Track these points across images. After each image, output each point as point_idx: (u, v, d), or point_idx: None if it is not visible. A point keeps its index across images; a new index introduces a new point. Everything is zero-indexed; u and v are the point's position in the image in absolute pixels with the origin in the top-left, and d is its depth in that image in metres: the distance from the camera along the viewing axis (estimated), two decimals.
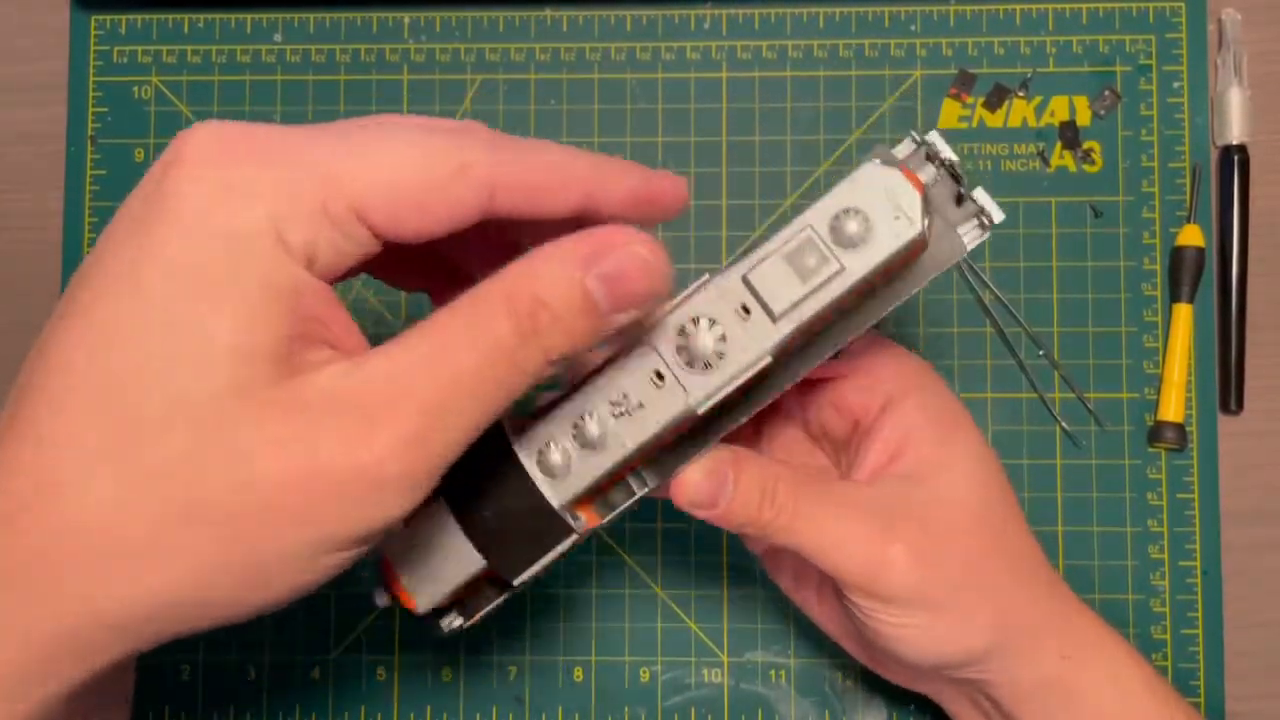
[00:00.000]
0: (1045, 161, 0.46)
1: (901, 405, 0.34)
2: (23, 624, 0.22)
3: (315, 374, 0.23)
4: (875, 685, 0.44)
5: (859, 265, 0.26)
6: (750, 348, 0.27)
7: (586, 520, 0.29)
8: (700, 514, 0.31)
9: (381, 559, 0.29)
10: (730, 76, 0.47)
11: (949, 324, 0.45)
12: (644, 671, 0.45)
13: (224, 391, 0.22)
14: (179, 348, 0.22)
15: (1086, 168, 0.46)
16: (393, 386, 0.23)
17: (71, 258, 0.46)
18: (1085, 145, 0.46)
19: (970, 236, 0.29)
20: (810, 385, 0.36)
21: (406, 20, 0.47)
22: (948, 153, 0.28)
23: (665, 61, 0.47)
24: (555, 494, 0.28)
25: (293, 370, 0.23)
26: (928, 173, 0.28)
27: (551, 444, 0.28)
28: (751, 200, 0.46)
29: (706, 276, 0.27)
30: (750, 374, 0.27)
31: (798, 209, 0.28)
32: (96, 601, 0.22)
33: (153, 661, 0.45)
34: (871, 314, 0.29)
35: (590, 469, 0.28)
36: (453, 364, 0.23)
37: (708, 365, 0.27)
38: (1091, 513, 0.45)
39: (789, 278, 0.26)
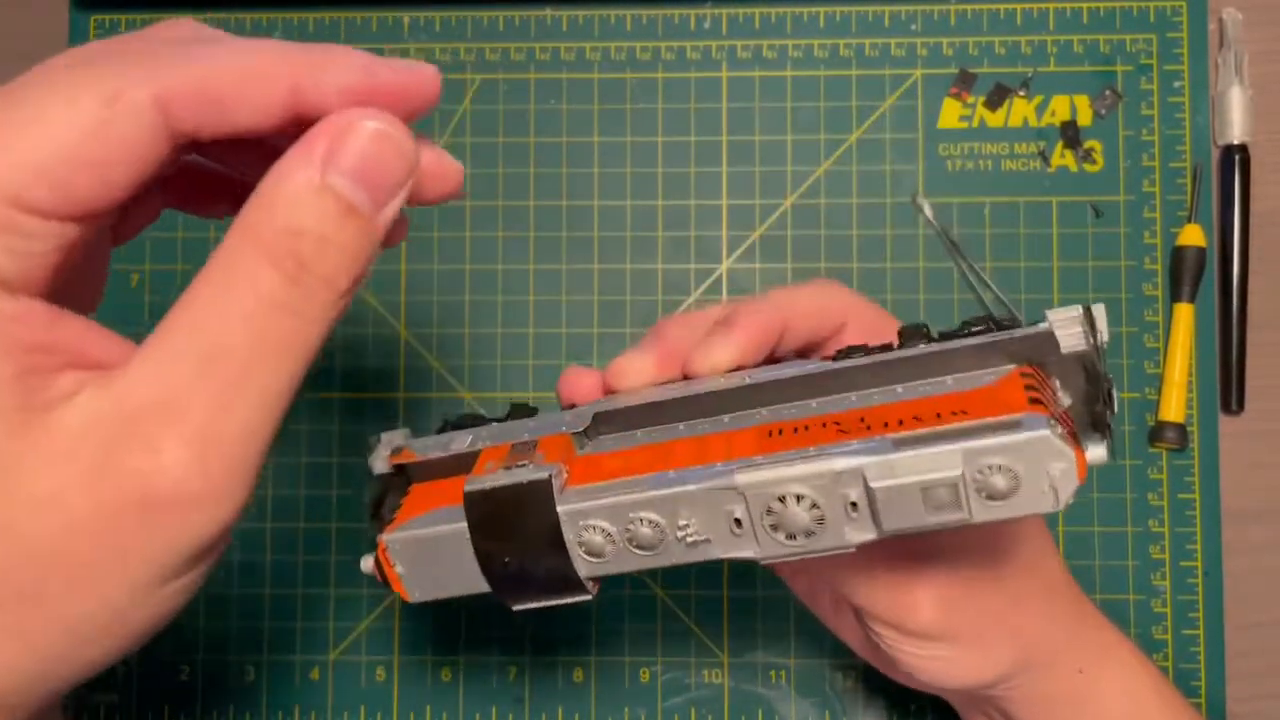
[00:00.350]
0: (1046, 161, 0.46)
1: None
2: None
3: (64, 408, 0.19)
4: (875, 685, 0.44)
5: (986, 515, 0.24)
6: (843, 538, 0.25)
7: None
8: None
9: (376, 543, 0.28)
10: (730, 76, 0.47)
11: (949, 324, 0.45)
12: (644, 671, 0.45)
13: None
14: None
15: (1087, 167, 0.46)
16: (159, 391, 0.20)
17: None
18: (1086, 145, 0.46)
19: (1097, 454, 0.25)
20: None
21: (406, 19, 0.47)
22: (1104, 330, 0.26)
23: (665, 61, 0.47)
24: (585, 569, 0.27)
25: (33, 414, 0.19)
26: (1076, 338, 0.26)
27: (597, 527, 0.26)
28: (752, 200, 0.46)
29: (815, 451, 0.25)
30: (829, 555, 0.25)
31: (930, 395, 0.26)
32: None
33: (153, 661, 0.45)
34: None
35: (628, 563, 0.27)
36: (222, 343, 0.20)
37: (792, 536, 0.25)
38: (1092, 513, 0.45)
39: (913, 504, 0.24)
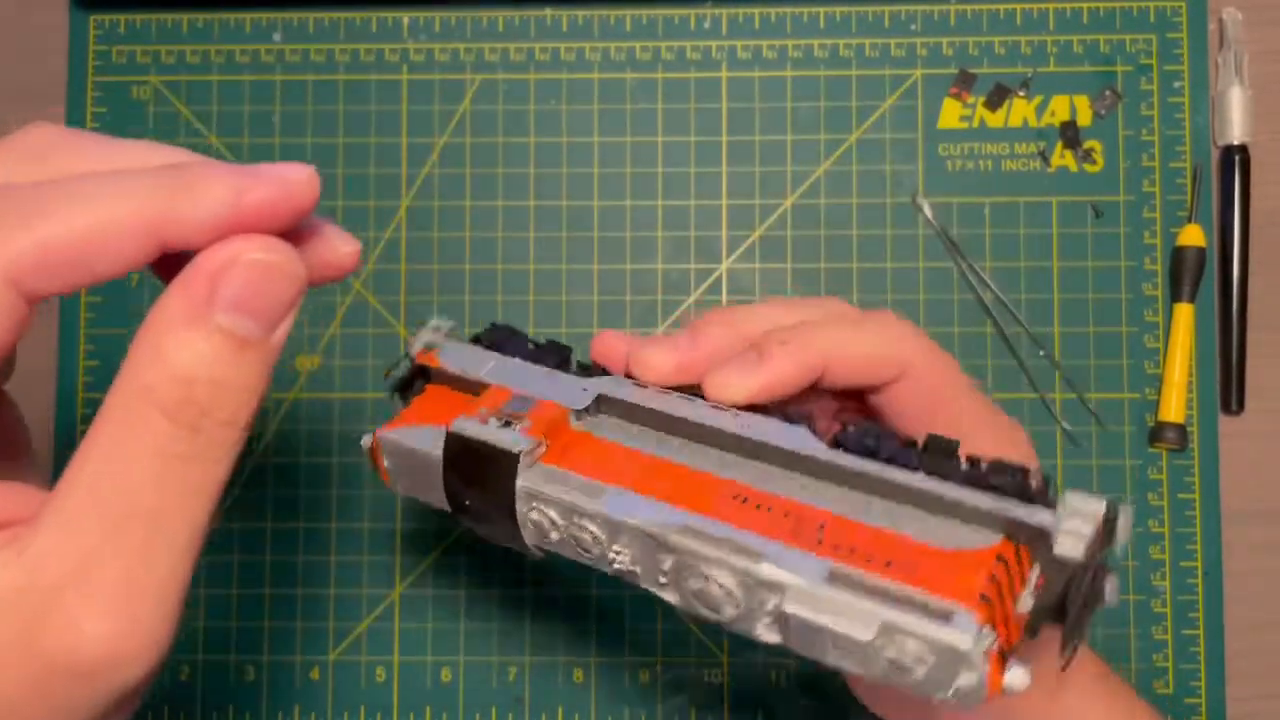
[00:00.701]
0: (1046, 161, 0.46)
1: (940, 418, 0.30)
2: None
3: None
4: None
5: (883, 678, 0.23)
6: (753, 630, 0.25)
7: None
8: None
9: (373, 434, 0.30)
10: (730, 76, 0.46)
11: (949, 324, 0.45)
12: (644, 671, 0.45)
13: None
14: None
15: (1087, 167, 0.46)
16: (71, 561, 0.19)
17: None
18: (1086, 145, 0.46)
19: (1017, 679, 0.23)
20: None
21: (406, 20, 0.47)
22: (1126, 535, 0.24)
23: (665, 61, 0.47)
24: (530, 538, 0.28)
25: None
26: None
27: (546, 514, 0.27)
28: (752, 200, 0.46)
29: (757, 545, 0.24)
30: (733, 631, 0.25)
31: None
32: None
33: None
34: None
35: (568, 552, 0.28)
36: (128, 503, 0.20)
37: (709, 607, 0.25)
38: None
39: (821, 639, 0.23)
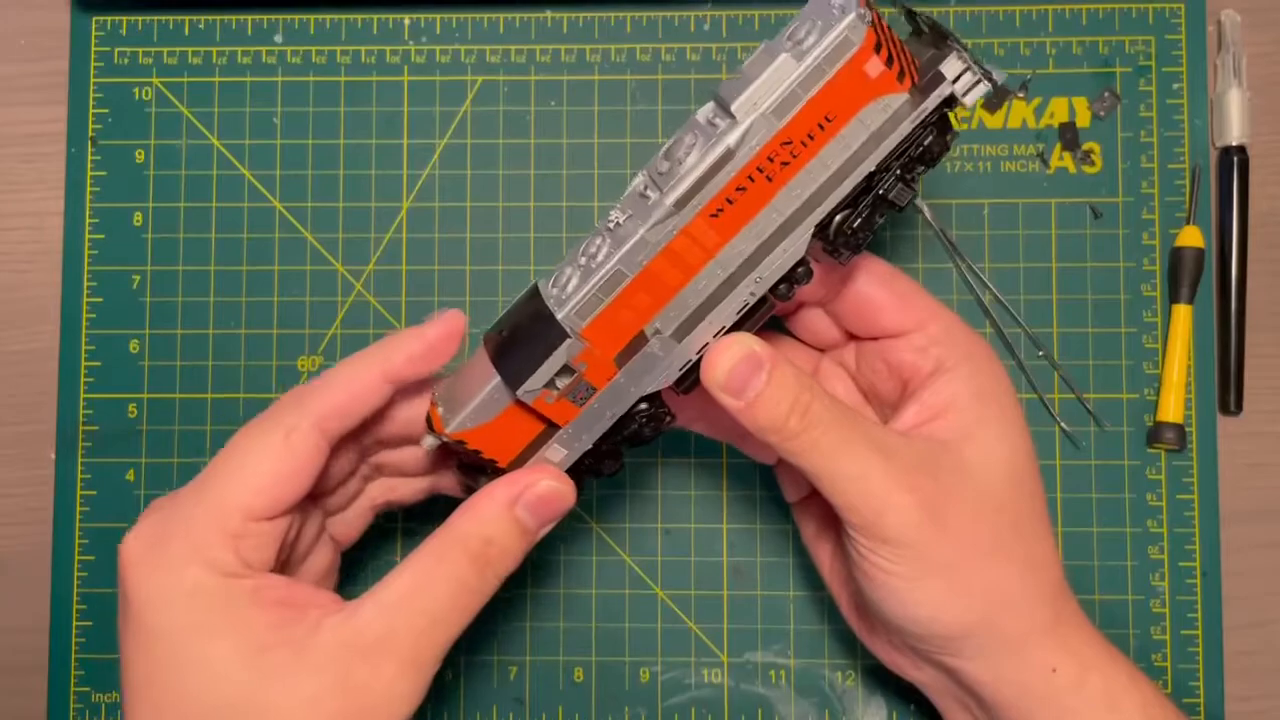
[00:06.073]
0: (1045, 163, 0.46)
1: (951, 373, 0.35)
2: None
3: (317, 634, 0.30)
4: (875, 685, 0.44)
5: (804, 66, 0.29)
6: (716, 149, 0.30)
7: (591, 343, 0.32)
8: (726, 401, 0.32)
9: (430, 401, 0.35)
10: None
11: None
12: (644, 671, 0.45)
13: (253, 682, 0.29)
14: (203, 674, 0.29)
15: (1086, 169, 0.46)
16: (384, 630, 0.30)
17: (72, 258, 0.46)
18: (1085, 146, 0.46)
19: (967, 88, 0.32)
20: (866, 340, 0.37)
21: (407, 22, 0.47)
22: None
23: (665, 63, 0.47)
24: (559, 308, 0.31)
25: (292, 641, 0.30)
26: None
27: (563, 274, 0.32)
28: None
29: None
30: (711, 161, 0.30)
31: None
32: None
33: None
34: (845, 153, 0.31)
35: (585, 288, 0.31)
36: (430, 604, 0.31)
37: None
38: (1091, 513, 0.45)
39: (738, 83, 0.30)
